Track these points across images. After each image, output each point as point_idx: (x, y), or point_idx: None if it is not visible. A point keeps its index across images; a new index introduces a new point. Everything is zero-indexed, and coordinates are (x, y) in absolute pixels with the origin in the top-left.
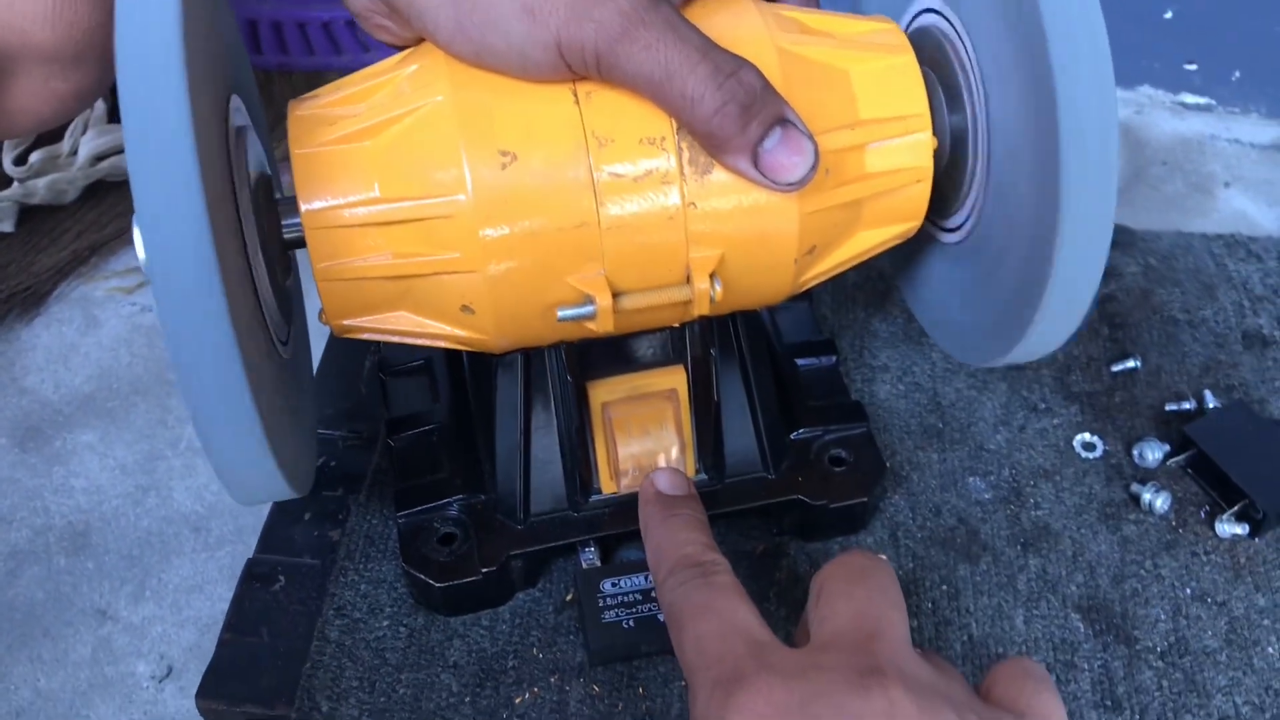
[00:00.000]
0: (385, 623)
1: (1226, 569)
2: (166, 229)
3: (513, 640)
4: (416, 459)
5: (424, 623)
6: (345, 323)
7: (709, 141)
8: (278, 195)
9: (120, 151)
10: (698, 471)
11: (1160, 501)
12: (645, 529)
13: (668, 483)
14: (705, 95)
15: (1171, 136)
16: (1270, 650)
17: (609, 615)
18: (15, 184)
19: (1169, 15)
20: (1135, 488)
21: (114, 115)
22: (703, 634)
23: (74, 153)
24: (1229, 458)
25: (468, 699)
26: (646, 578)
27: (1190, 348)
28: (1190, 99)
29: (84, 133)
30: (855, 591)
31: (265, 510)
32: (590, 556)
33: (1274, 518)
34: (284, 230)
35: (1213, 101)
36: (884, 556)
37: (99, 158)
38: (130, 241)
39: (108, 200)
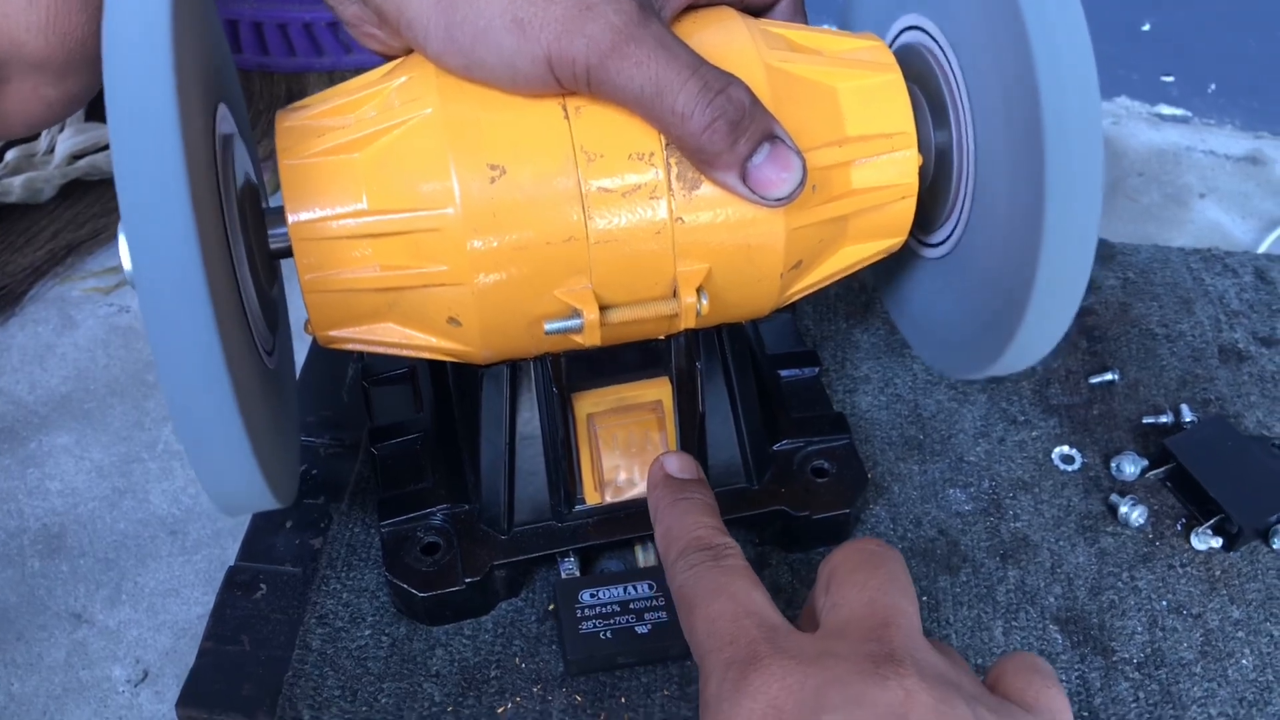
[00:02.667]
0: (367, 632)
1: (1202, 581)
2: (153, 237)
3: (495, 650)
4: (400, 468)
5: (406, 632)
6: (331, 334)
7: (698, 157)
8: (264, 204)
9: (98, 150)
10: None
11: (1137, 514)
12: (654, 512)
13: (677, 466)
14: (695, 111)
15: (1148, 147)
16: (1244, 662)
17: (587, 626)
18: None
19: (1147, 27)
20: (1113, 500)
21: (92, 113)
22: (715, 615)
23: (51, 150)
24: (1206, 472)
25: (450, 709)
26: (625, 589)
27: (1168, 361)
28: (1167, 110)
29: (61, 131)
30: (867, 579)
31: (245, 516)
32: (570, 567)
33: (1249, 532)
34: (270, 240)
35: (1189, 113)
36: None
37: (76, 156)
38: (108, 242)
39: (85, 199)
